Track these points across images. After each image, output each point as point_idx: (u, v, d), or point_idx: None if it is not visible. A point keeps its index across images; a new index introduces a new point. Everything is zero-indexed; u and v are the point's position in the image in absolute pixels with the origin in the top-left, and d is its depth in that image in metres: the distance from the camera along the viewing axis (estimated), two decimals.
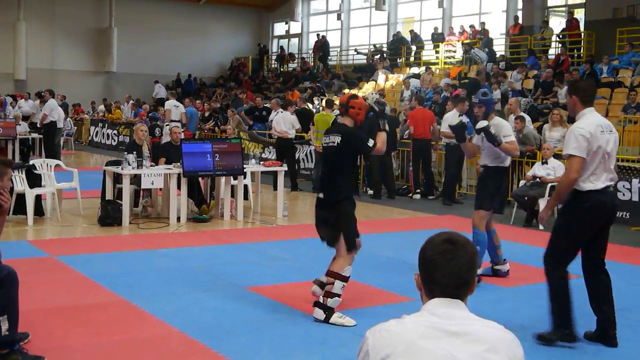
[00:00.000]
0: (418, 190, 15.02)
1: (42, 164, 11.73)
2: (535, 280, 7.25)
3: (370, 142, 6.32)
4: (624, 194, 11.93)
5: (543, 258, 5.83)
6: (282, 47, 35.34)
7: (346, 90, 24.56)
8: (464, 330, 2.31)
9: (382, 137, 6.50)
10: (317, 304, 6.19)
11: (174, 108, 19.18)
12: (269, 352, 5.38)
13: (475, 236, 7.56)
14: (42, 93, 20.77)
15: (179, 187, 11.11)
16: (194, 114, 20.27)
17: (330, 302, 6.11)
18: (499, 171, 7.86)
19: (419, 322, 2.35)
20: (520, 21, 23.93)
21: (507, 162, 7.94)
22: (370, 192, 15.04)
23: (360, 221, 6.61)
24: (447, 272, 2.38)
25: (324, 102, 18.16)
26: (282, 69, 33.30)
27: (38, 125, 19.32)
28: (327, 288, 6.22)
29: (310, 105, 21.10)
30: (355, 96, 6.89)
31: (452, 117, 13.90)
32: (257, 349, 5.41)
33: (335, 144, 6.25)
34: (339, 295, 6.14)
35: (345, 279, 6.19)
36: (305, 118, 17.66)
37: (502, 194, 8.04)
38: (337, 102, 20.60)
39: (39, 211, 10.98)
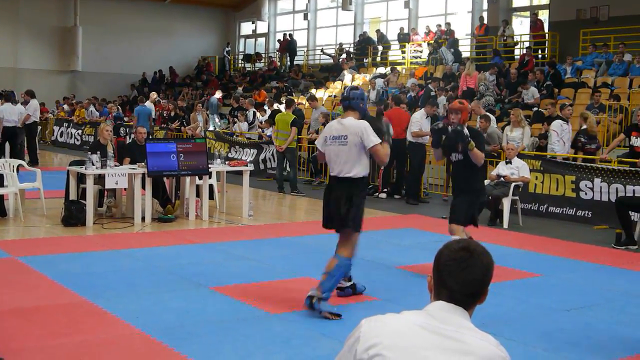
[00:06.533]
0: (385, 190, 15.04)
1: (4, 164, 11.60)
2: (500, 279, 7.28)
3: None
4: (586, 193, 12.06)
5: None
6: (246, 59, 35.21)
7: (312, 90, 24.61)
8: (456, 337, 2.27)
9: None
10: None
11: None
12: (232, 352, 5.35)
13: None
14: (2, 92, 20.55)
15: (143, 187, 11.04)
16: (141, 113, 20.24)
17: None
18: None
19: (413, 320, 2.33)
20: (485, 22, 24.14)
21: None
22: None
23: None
24: (459, 280, 2.35)
25: (284, 101, 18.16)
26: (249, 68, 33.23)
27: (19, 125, 19.15)
28: None
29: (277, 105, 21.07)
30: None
31: (420, 117, 14.03)
32: (220, 349, 5.39)
33: None
34: None
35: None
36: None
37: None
38: (301, 101, 20.64)
39: (1, 211, 10.85)
